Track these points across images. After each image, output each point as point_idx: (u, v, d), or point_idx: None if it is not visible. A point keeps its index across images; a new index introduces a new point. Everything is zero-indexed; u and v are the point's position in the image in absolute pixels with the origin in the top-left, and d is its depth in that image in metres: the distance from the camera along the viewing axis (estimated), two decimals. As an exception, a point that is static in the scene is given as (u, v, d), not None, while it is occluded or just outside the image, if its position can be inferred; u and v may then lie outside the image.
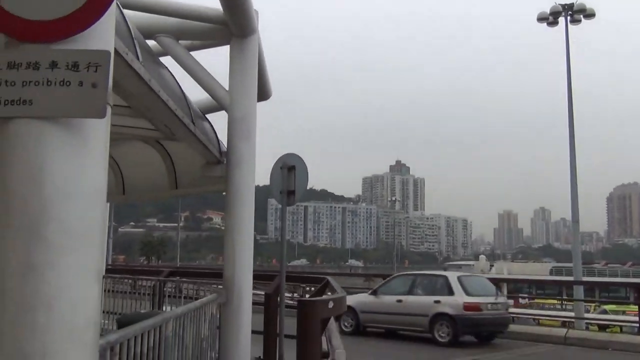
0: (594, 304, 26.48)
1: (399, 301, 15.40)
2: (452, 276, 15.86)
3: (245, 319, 6.62)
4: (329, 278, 8.71)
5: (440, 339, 14.25)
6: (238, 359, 6.54)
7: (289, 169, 9.13)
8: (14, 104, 2.00)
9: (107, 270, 12.18)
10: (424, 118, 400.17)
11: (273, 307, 9.87)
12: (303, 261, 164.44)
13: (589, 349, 14.66)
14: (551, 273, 64.22)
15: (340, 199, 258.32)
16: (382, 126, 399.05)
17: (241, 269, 6.72)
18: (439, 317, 14.37)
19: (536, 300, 28.17)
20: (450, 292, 14.77)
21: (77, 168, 2.03)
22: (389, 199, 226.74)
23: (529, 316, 20.46)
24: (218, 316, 6.59)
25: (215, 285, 9.74)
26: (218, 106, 7.47)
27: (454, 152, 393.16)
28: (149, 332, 3.82)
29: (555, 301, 28.07)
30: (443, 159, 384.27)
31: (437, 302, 14.55)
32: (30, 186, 1.97)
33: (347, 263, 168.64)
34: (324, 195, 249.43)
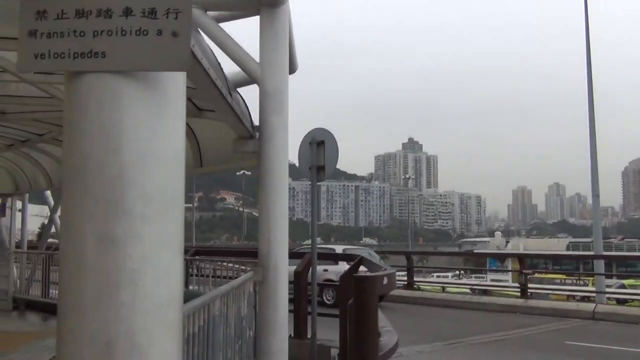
0: (591, 279, 26.34)
1: None
2: (339, 249, 19.09)
3: (282, 296, 6.45)
4: (363, 255, 8.53)
5: (327, 302, 16.85)
6: (275, 338, 6.38)
7: (318, 144, 8.93)
8: (85, 57, 1.77)
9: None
10: (436, 95, 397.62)
11: (303, 284, 9.75)
12: (317, 240, 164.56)
13: (619, 324, 14.45)
14: (568, 248, 64.02)
15: (352, 177, 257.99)
16: (393, 104, 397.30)
17: (276, 246, 6.53)
18: (326, 283, 16.91)
19: (536, 275, 27.97)
20: (336, 262, 17.18)
21: (156, 129, 1.80)
22: (402, 176, 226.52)
23: (548, 291, 20.25)
24: (254, 294, 6.43)
25: (241, 266, 9.66)
26: (247, 80, 7.23)
27: (467, 129, 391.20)
28: (200, 311, 3.65)
29: (557, 275, 27.79)
30: (455, 136, 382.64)
31: (325, 270, 16.89)
32: (107, 149, 1.74)
33: (361, 241, 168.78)
34: (337, 174, 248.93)
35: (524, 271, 17.75)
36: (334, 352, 8.68)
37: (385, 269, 4.90)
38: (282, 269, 6.56)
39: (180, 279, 1.87)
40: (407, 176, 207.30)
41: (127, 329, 1.68)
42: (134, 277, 1.70)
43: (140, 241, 1.73)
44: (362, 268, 9.46)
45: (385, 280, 4.08)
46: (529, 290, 17.78)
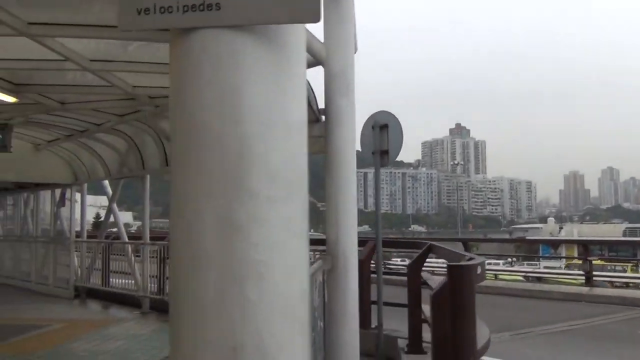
0: (630, 264, 25.28)
1: None
2: None
3: (352, 286, 6.19)
4: (433, 242, 8.21)
5: None
6: (345, 329, 6.12)
7: (381, 127, 8.62)
8: (197, 10, 1.51)
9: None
10: (483, 80, 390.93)
11: (366, 273, 9.49)
12: (365, 227, 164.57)
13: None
14: (624, 234, 62.14)
15: (399, 164, 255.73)
16: (440, 89, 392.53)
17: (345, 233, 6.25)
18: None
19: (575, 262, 26.97)
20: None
21: (279, 94, 1.54)
22: (450, 162, 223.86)
23: (605, 279, 19.45)
24: (323, 284, 6.21)
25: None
26: (312, 62, 6.95)
27: (516, 113, 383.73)
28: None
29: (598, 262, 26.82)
30: (504, 120, 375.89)
31: None
32: (225, 118, 1.48)
33: (409, 229, 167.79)
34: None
35: (588, 258, 17.11)
36: (401, 342, 8.42)
37: (471, 257, 4.61)
38: (352, 257, 6.28)
39: (307, 269, 1.61)
40: (456, 162, 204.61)
41: (254, 331, 1.41)
42: (260, 270, 1.44)
43: (266, 227, 1.47)
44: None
45: (479, 270, 3.80)
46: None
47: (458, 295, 3.41)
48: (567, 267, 25.38)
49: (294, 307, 1.51)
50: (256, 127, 1.49)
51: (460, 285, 3.40)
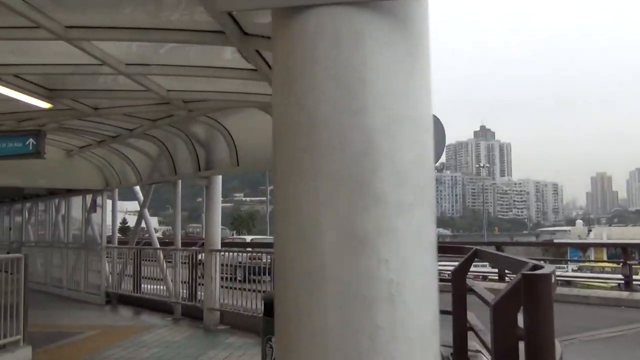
0: None
1: None
2: (248, 238, 21.73)
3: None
4: (478, 247, 7.90)
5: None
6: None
7: (422, 129, 8.35)
8: None
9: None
10: (508, 81, 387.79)
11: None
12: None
13: None
14: (654, 237, 60.81)
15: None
16: (464, 91, 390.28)
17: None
18: None
19: (586, 264, 26.21)
20: None
21: (406, 82, 1.31)
22: (475, 165, 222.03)
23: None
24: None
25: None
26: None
27: (541, 114, 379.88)
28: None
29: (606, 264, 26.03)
30: (529, 122, 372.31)
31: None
32: (347, 110, 1.26)
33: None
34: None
35: (628, 262, 16.58)
36: (444, 350, 8.14)
37: (537, 265, 4.33)
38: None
39: (438, 293, 1.36)
40: (481, 165, 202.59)
41: (386, 363, 1.18)
42: (391, 291, 1.20)
43: (396, 239, 1.23)
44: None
45: (553, 279, 3.52)
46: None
47: (535, 307, 3.15)
48: (579, 269, 24.73)
49: (427, 336, 1.26)
50: (382, 121, 1.25)
51: (538, 296, 3.15)
